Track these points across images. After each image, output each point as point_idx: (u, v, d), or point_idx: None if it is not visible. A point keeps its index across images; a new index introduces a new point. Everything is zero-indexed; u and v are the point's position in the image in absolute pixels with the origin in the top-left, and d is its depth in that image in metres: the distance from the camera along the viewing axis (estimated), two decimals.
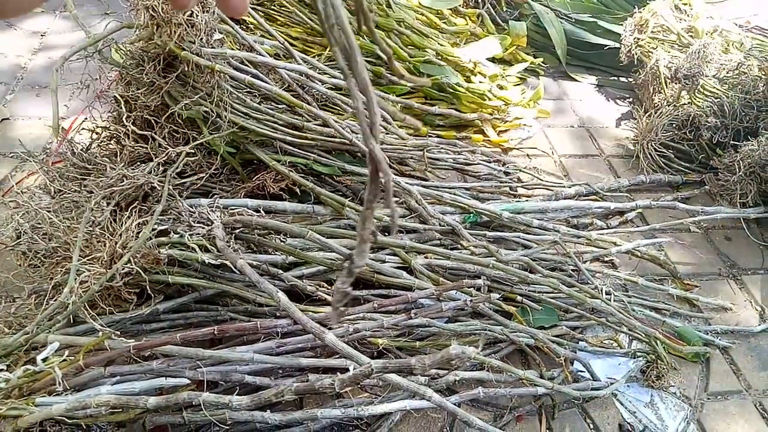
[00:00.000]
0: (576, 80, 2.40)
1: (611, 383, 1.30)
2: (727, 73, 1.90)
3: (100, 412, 0.79)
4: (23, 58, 2.00)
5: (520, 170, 1.77)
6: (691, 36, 2.10)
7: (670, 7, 2.19)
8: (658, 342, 1.36)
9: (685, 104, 1.92)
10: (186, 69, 1.21)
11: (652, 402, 1.32)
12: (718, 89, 1.88)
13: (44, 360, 0.77)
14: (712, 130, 1.86)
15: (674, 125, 1.93)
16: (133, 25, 1.22)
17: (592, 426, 1.26)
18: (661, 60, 2.03)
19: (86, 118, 1.50)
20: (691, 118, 1.89)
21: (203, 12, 1.21)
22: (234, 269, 1.01)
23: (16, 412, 0.76)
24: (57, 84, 1.12)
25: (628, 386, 1.33)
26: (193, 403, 0.77)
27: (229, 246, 1.01)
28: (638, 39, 2.17)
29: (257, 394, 0.79)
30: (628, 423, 1.27)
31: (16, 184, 1.13)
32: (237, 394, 0.90)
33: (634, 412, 1.29)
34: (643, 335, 1.36)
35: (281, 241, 1.13)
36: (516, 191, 1.69)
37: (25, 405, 0.76)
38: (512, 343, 1.29)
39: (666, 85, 2.01)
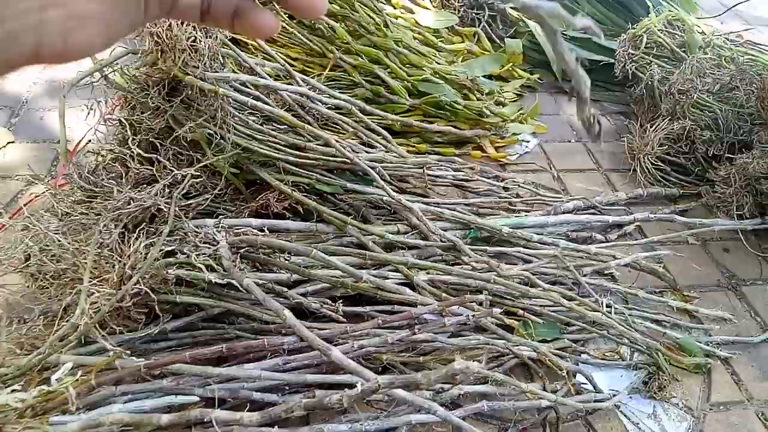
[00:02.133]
0: (572, 95, 2.44)
1: (614, 395, 1.31)
2: (720, 87, 1.93)
3: (112, 431, 0.80)
4: (27, 82, 2.04)
5: (519, 185, 1.79)
6: (684, 51, 2.14)
7: (663, 23, 2.24)
8: (659, 353, 1.37)
9: (680, 118, 1.94)
10: (190, 93, 1.24)
11: (654, 413, 1.33)
12: (711, 103, 1.91)
13: (58, 380, 0.78)
14: (707, 144, 1.89)
15: (670, 139, 1.96)
16: (138, 51, 1.25)
17: None
18: (655, 75, 2.07)
19: (90, 141, 1.53)
20: (686, 132, 1.92)
21: (206, 37, 1.24)
22: (240, 288, 1.03)
23: (31, 431, 0.77)
24: (64, 109, 1.15)
25: (630, 398, 1.35)
26: (205, 420, 0.78)
27: (235, 265, 1.02)
28: (632, 55, 2.21)
29: (267, 410, 0.81)
30: None
31: (24, 205, 1.15)
32: (246, 411, 0.91)
33: (638, 424, 1.30)
34: (644, 347, 1.37)
35: (285, 259, 1.15)
36: (515, 206, 1.71)
37: (39, 424, 0.78)
38: (515, 357, 1.31)
39: (661, 100, 2.04)
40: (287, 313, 0.91)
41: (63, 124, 1.14)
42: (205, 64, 1.19)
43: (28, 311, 1.15)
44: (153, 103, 1.20)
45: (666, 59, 2.18)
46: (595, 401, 1.29)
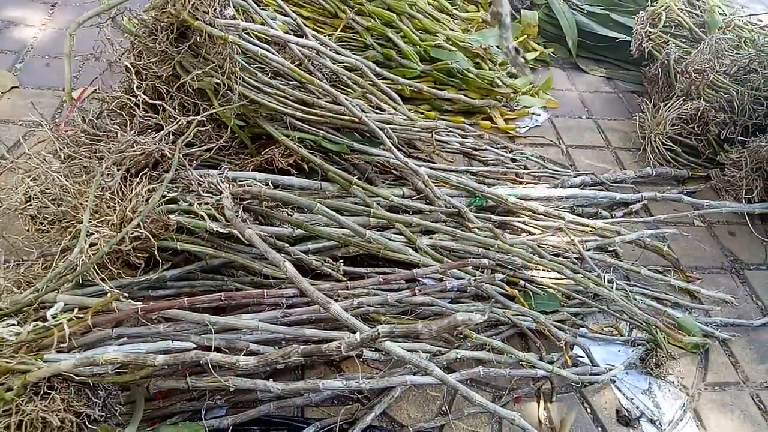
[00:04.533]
0: (585, 72, 2.40)
1: (610, 369, 1.31)
2: (738, 69, 1.89)
3: (106, 371, 0.80)
4: (33, 28, 2.00)
5: (527, 158, 1.77)
6: (702, 31, 2.10)
7: (683, 2, 2.19)
8: (658, 331, 1.37)
9: (694, 99, 1.91)
10: (198, 39, 1.21)
11: (649, 390, 1.33)
12: (728, 85, 1.88)
13: (54, 316, 0.78)
14: (720, 126, 1.86)
15: (682, 119, 1.93)
16: None
17: (589, 411, 1.27)
18: (672, 54, 2.03)
19: (96, 89, 1.51)
20: (699, 113, 1.89)
21: None
22: (242, 239, 1.02)
23: (25, 366, 0.77)
24: (70, 48, 1.13)
25: (626, 373, 1.34)
26: (201, 363, 0.78)
27: (237, 216, 1.01)
28: (650, 33, 2.16)
29: (264, 354, 0.80)
30: (626, 409, 1.28)
31: (29, 149, 1.14)
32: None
33: (632, 399, 1.30)
34: (644, 323, 1.37)
35: (289, 214, 1.13)
36: (522, 178, 1.69)
37: (34, 360, 0.77)
38: (513, 326, 1.30)
39: (676, 80, 2.01)
40: (288, 265, 0.90)
41: (69, 63, 1.12)
42: (215, 10, 1.16)
43: (27, 253, 1.14)
44: (160, 48, 1.18)
45: (684, 39, 2.13)
46: (591, 374, 1.29)
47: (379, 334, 0.67)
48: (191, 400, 1.02)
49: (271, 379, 0.97)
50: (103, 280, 0.92)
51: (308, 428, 1.06)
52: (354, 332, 0.86)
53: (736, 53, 1.95)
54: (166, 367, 0.80)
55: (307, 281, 0.92)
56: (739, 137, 1.85)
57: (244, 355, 1.00)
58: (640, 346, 1.39)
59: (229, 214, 1.03)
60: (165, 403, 1.00)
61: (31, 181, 1.11)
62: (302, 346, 0.78)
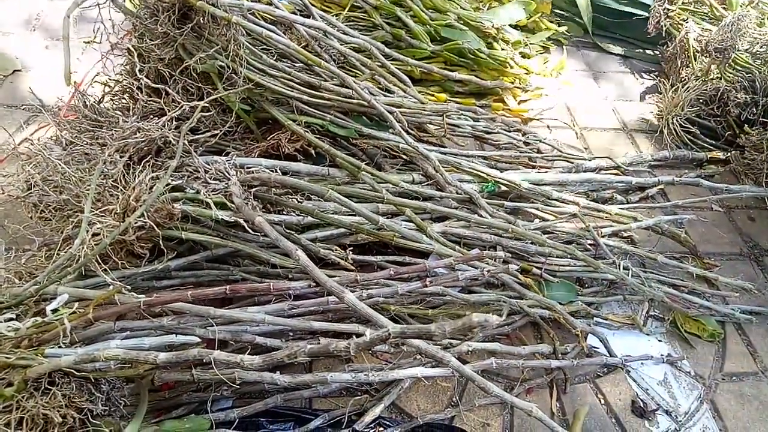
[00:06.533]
0: (601, 50, 2.33)
1: (626, 359, 1.28)
2: (761, 47, 1.83)
3: (108, 366, 0.78)
4: (36, 10, 1.96)
5: (541, 141, 1.72)
6: (724, 8, 2.03)
7: None
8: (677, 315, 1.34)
9: (714, 79, 1.85)
10: (201, 20, 1.17)
11: (665, 380, 1.30)
12: (750, 64, 1.81)
13: (54, 311, 0.75)
14: (741, 107, 1.80)
15: (701, 100, 1.87)
16: None
17: (603, 402, 1.24)
18: (692, 32, 1.96)
19: (99, 73, 1.47)
20: (719, 94, 1.83)
21: None
22: (250, 228, 0.99)
23: (26, 362, 0.75)
24: (69, 30, 1.09)
25: (641, 364, 1.31)
26: (204, 361, 0.75)
27: (246, 203, 0.98)
28: (668, 10, 2.09)
29: (269, 354, 0.77)
30: (641, 400, 1.25)
31: (30, 135, 1.11)
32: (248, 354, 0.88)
33: (647, 390, 1.27)
34: (660, 306, 1.33)
35: (298, 201, 1.10)
36: (535, 162, 1.64)
37: (35, 355, 0.75)
38: (526, 316, 1.27)
39: (695, 59, 1.94)
40: (300, 253, 0.87)
41: (67, 46, 1.08)
42: None
43: (30, 242, 1.12)
44: (162, 29, 1.14)
45: (704, 16, 2.06)
46: (606, 364, 1.26)
47: (390, 334, 0.64)
48: (197, 391, 1.00)
49: (278, 372, 0.94)
50: (105, 271, 0.89)
51: (316, 420, 1.04)
52: (366, 323, 0.84)
53: (758, 31, 1.87)
54: (169, 366, 0.77)
55: (319, 270, 0.89)
56: (761, 119, 1.79)
57: (250, 347, 0.98)
58: (656, 336, 1.35)
59: (237, 202, 1.00)
60: (171, 395, 0.99)
61: (32, 168, 1.09)
62: (309, 346, 0.75)
